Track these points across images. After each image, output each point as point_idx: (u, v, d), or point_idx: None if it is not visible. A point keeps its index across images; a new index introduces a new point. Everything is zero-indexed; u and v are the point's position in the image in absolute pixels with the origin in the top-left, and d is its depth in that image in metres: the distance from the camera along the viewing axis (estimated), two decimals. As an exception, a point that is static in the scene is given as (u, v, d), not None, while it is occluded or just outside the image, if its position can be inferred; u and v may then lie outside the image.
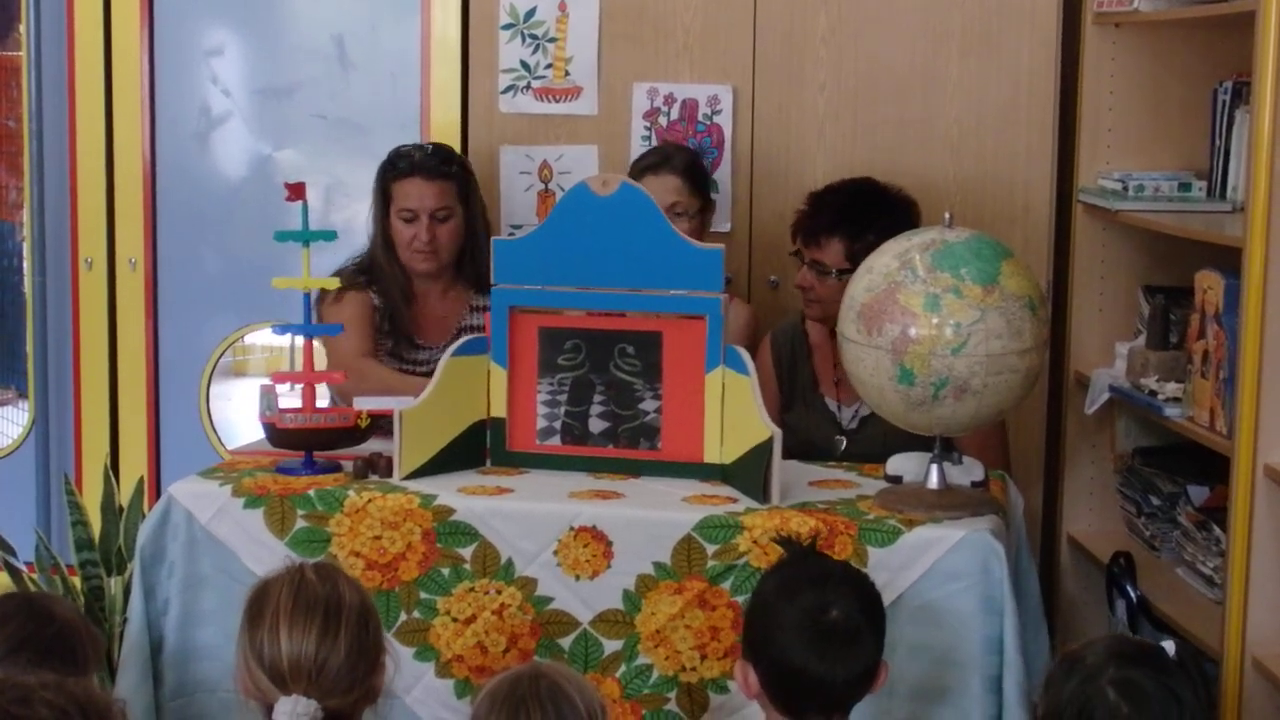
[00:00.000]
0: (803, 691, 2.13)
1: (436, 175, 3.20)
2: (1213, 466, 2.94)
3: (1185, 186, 3.21)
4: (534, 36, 3.51)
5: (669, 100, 3.49)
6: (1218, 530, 2.89)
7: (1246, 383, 2.58)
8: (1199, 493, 3.08)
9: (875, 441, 2.88)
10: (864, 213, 3.00)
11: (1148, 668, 1.94)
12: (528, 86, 3.53)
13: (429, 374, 3.16)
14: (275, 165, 3.73)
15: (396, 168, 3.23)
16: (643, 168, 3.24)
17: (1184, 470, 3.15)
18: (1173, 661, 1.96)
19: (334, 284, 2.92)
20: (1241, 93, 3.05)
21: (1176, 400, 2.92)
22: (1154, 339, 3.07)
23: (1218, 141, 3.18)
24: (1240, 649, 2.61)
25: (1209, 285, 2.79)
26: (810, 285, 3.03)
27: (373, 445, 2.72)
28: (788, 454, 3.04)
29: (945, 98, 3.42)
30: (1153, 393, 2.98)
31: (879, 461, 2.66)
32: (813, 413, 3.10)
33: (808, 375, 3.13)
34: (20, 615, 2.19)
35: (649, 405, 2.69)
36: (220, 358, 3.80)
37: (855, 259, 2.76)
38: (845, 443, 3.05)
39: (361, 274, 3.24)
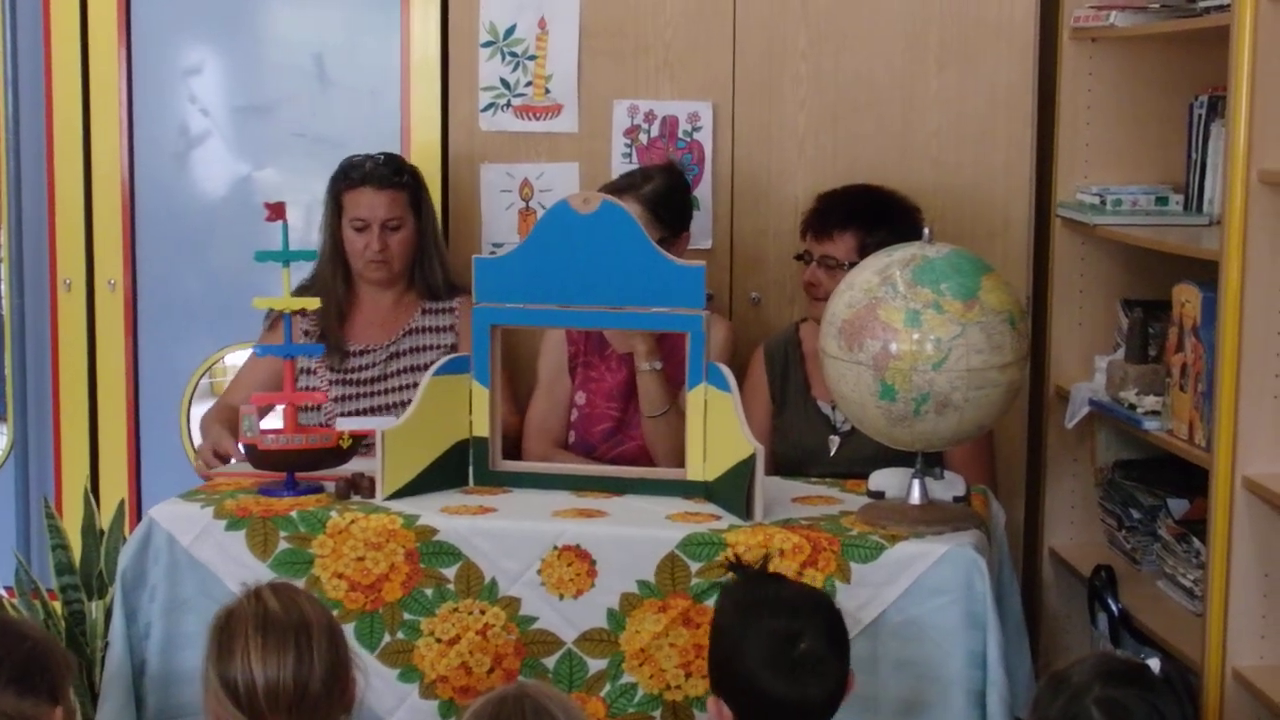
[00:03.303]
0: (780, 718, 2.14)
1: (388, 185, 3.22)
2: (1192, 479, 2.95)
3: (1162, 200, 3.23)
4: (514, 54, 3.51)
5: (649, 117, 3.50)
6: (1198, 543, 2.90)
7: (1224, 395, 2.59)
8: (1179, 505, 3.09)
9: (868, 443, 2.87)
10: (878, 209, 3.09)
11: (1133, 686, 1.95)
12: (508, 104, 3.53)
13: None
14: (255, 184, 3.72)
15: (348, 178, 3.25)
16: (611, 189, 3.22)
17: (1164, 483, 3.16)
18: (1158, 679, 1.97)
19: (314, 303, 2.91)
20: (1217, 106, 3.07)
21: (1155, 413, 2.93)
22: (1133, 352, 3.08)
23: (1194, 155, 3.19)
24: (1221, 661, 2.62)
25: (1186, 298, 2.81)
26: (818, 282, 3.07)
27: (355, 466, 2.71)
28: (780, 457, 3.07)
29: (924, 112, 3.43)
30: (1132, 406, 3.00)
31: (871, 465, 2.67)
32: (806, 415, 3.12)
33: (801, 379, 3.14)
34: None
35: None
36: (201, 379, 3.79)
37: (865, 253, 2.79)
38: (839, 443, 3.06)
39: (308, 287, 3.27)
